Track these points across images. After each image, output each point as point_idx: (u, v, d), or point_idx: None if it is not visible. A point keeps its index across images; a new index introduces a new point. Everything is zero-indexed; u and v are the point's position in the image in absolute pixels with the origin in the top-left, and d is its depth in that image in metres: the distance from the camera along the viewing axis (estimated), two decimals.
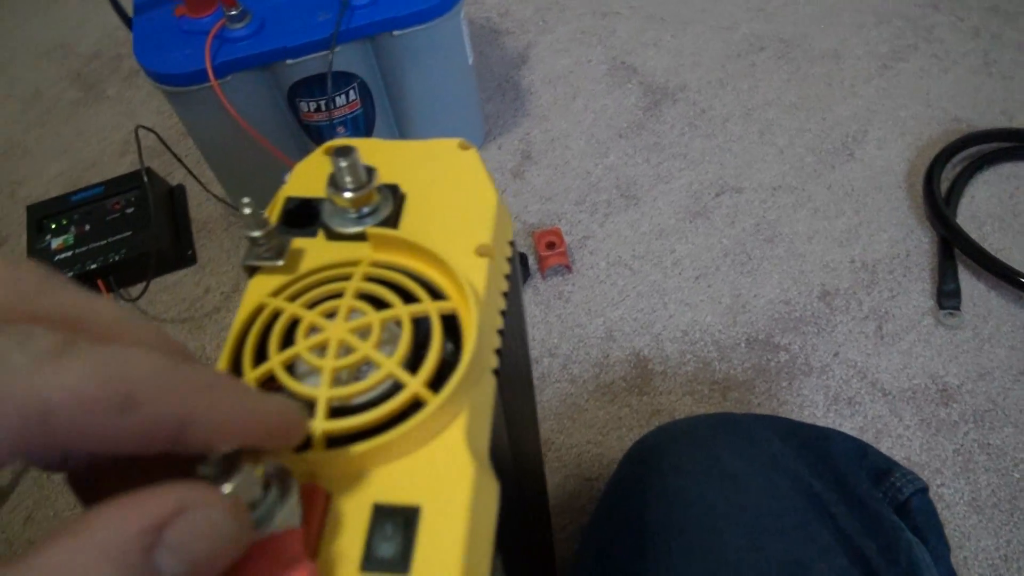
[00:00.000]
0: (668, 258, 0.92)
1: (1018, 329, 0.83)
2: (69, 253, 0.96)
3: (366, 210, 0.27)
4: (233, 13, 0.80)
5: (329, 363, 0.23)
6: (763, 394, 0.81)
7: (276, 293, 0.26)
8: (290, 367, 0.24)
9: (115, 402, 0.16)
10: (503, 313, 0.28)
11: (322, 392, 0.23)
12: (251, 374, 0.24)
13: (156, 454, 0.17)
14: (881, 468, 0.51)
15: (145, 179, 0.99)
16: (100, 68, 1.29)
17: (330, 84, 0.83)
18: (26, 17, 1.42)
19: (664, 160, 1.02)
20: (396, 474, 0.22)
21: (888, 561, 0.44)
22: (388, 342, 0.24)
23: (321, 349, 0.24)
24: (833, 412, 0.79)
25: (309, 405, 0.23)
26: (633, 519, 0.47)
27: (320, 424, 0.22)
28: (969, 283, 0.86)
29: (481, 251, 0.27)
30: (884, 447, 0.76)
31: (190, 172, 1.03)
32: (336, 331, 0.24)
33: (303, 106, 0.87)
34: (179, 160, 1.02)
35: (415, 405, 0.23)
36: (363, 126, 0.92)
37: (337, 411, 0.23)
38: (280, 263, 0.27)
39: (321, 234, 0.28)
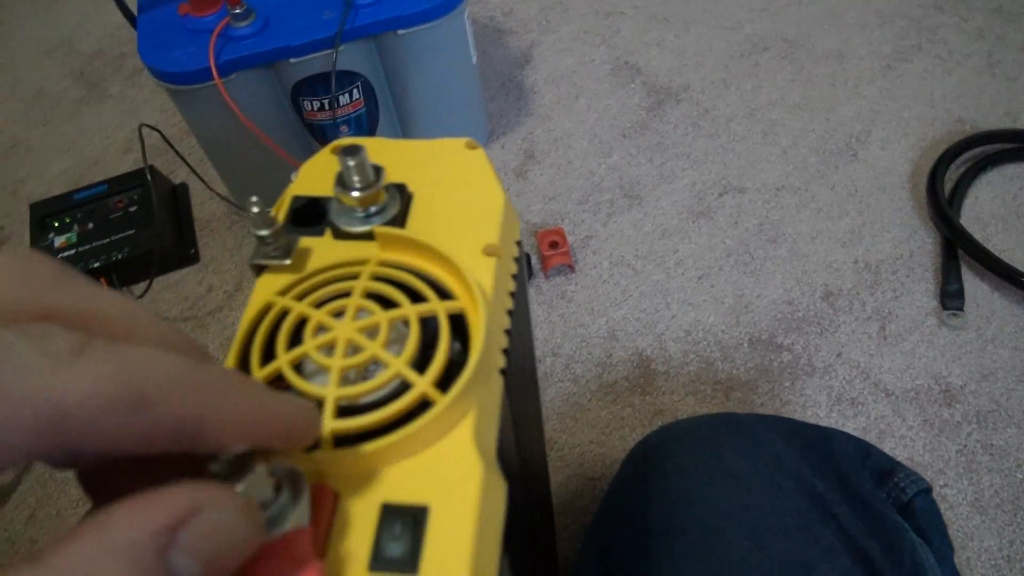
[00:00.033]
0: (671, 258, 0.92)
1: (1021, 330, 0.83)
2: (72, 251, 0.96)
3: (373, 209, 0.27)
4: (237, 11, 0.80)
5: (337, 362, 0.23)
6: (766, 394, 0.81)
7: (284, 292, 0.26)
8: (298, 366, 0.24)
9: (130, 403, 0.16)
10: (510, 313, 0.28)
11: (330, 391, 0.23)
12: (259, 373, 0.24)
13: (169, 453, 0.17)
14: (884, 468, 0.51)
15: (148, 177, 0.99)
16: (103, 66, 1.29)
17: (334, 83, 0.83)
18: (29, 15, 1.42)
19: (667, 160, 1.02)
20: (404, 474, 0.22)
21: (892, 562, 0.44)
22: (396, 341, 0.24)
23: (329, 348, 0.24)
24: (836, 412, 0.79)
25: (317, 404, 0.23)
26: (636, 519, 0.47)
27: (328, 423, 0.22)
28: (972, 284, 0.86)
29: (488, 251, 0.27)
30: (887, 447, 0.76)
31: (193, 171, 1.03)
32: (344, 330, 0.24)
33: (307, 105, 0.87)
34: (182, 158, 1.02)
35: (423, 405, 0.23)
36: (366, 125, 0.92)
37: (345, 410, 0.23)
38: (287, 262, 0.27)
39: (328, 233, 0.28)
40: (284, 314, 0.25)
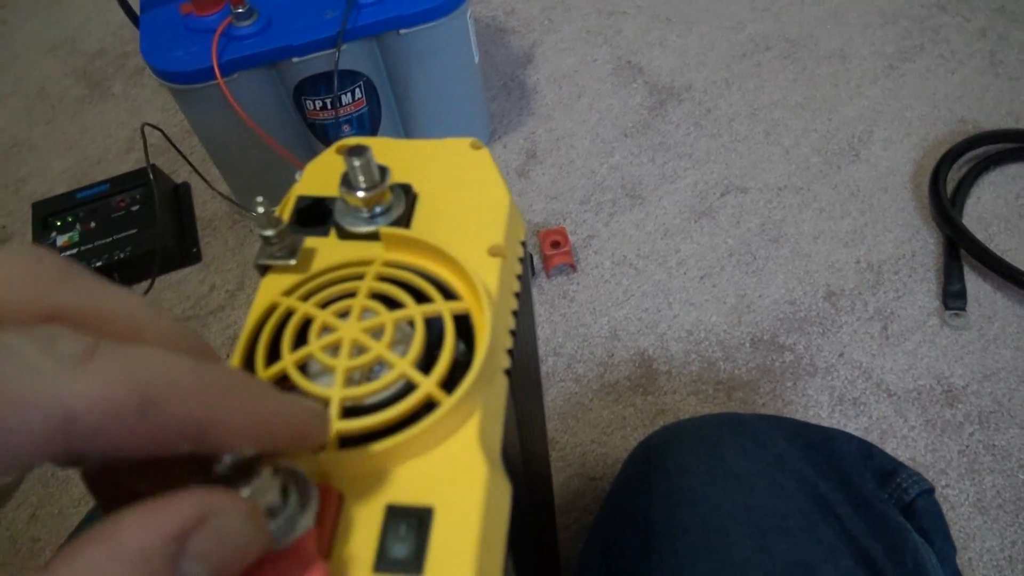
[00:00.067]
0: (673, 258, 0.92)
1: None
2: (74, 250, 0.97)
3: (379, 209, 0.27)
4: (240, 11, 0.80)
5: (342, 363, 0.23)
6: (768, 394, 0.81)
7: (288, 292, 0.26)
8: (303, 367, 0.24)
9: (138, 408, 0.16)
10: (515, 313, 0.28)
11: (335, 392, 0.23)
12: (264, 373, 0.24)
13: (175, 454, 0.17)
14: (887, 469, 0.51)
15: (150, 176, 0.99)
16: (105, 66, 1.29)
17: (336, 82, 0.83)
18: (32, 14, 1.43)
19: (669, 160, 1.02)
20: (409, 474, 0.22)
21: (894, 562, 0.44)
22: (401, 342, 0.24)
23: (334, 349, 0.24)
24: (838, 412, 0.79)
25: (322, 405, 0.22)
26: (638, 519, 0.47)
27: (333, 424, 0.22)
28: (975, 284, 0.86)
29: (493, 251, 0.27)
30: (889, 448, 0.76)
31: (195, 170, 1.03)
32: (349, 331, 0.24)
33: (309, 104, 0.87)
34: (184, 158, 1.02)
35: (428, 406, 0.23)
36: (369, 124, 0.92)
37: (349, 411, 0.23)
38: (292, 262, 0.27)
39: (333, 233, 0.28)
40: (289, 314, 0.25)
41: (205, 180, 1.03)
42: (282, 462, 0.20)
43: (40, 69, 1.31)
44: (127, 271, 0.96)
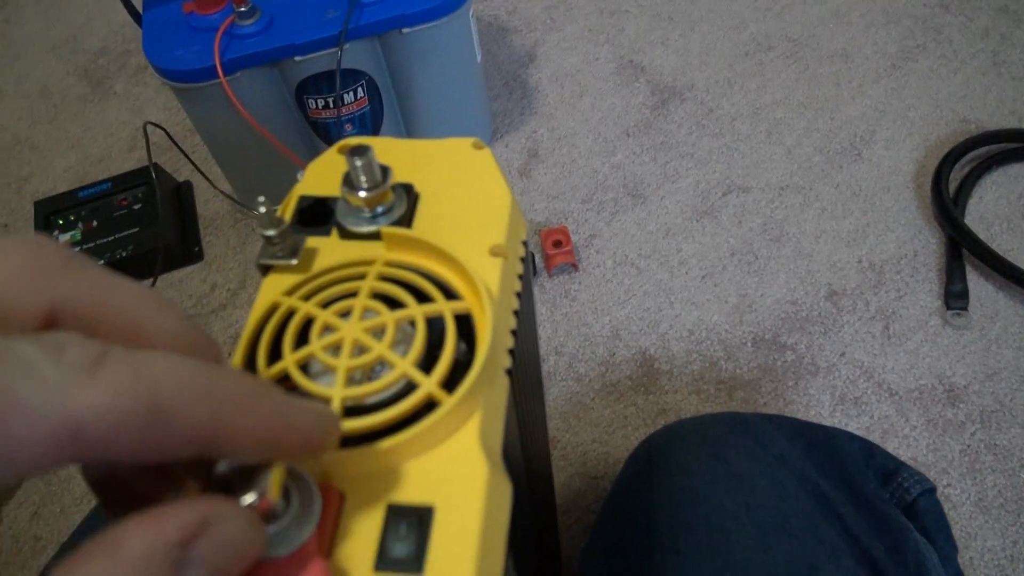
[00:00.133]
0: (675, 257, 0.92)
1: None
2: (76, 249, 0.97)
3: (380, 209, 0.27)
4: (242, 10, 0.80)
5: (343, 362, 0.23)
6: (769, 394, 0.81)
7: (290, 292, 0.26)
8: (304, 366, 0.24)
9: (147, 417, 0.16)
10: (516, 313, 0.28)
11: (336, 391, 0.23)
12: (265, 373, 0.24)
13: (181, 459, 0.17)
14: (888, 468, 0.51)
15: (152, 175, 0.99)
16: (108, 64, 1.30)
17: (338, 81, 0.83)
18: (34, 13, 1.43)
19: (671, 159, 1.02)
20: (410, 474, 0.22)
21: (896, 562, 0.44)
22: (402, 342, 0.24)
23: (335, 348, 0.24)
24: (839, 412, 0.79)
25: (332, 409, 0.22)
26: (640, 518, 0.47)
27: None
28: (977, 284, 0.86)
29: (495, 251, 0.27)
30: (891, 447, 0.76)
31: (197, 168, 1.03)
32: (350, 330, 0.24)
33: (311, 103, 0.87)
34: (186, 156, 1.02)
35: (429, 405, 0.23)
36: (370, 123, 0.92)
37: (351, 410, 0.23)
38: (294, 262, 0.27)
39: (335, 233, 0.28)
40: (291, 314, 0.25)
41: (207, 179, 1.03)
42: (285, 465, 0.20)
43: (42, 68, 1.31)
44: (129, 270, 0.96)
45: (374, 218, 0.28)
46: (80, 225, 0.99)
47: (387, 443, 0.22)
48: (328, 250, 0.27)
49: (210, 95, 0.82)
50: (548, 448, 0.53)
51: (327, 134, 0.91)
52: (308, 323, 0.25)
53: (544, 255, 0.92)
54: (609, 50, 1.16)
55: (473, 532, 0.21)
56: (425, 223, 0.28)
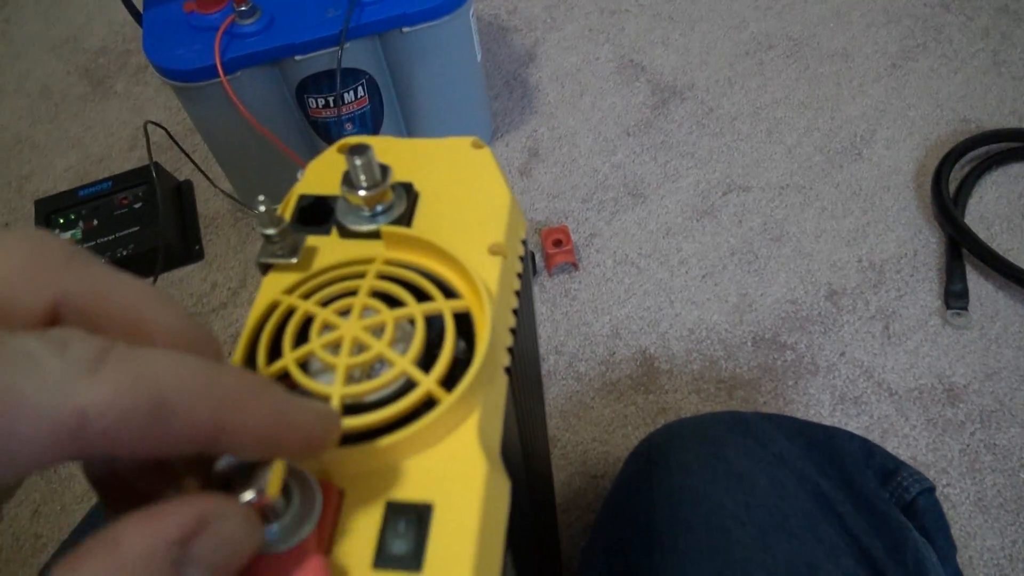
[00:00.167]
0: (675, 256, 0.92)
1: None
2: None
3: (380, 208, 0.28)
4: (243, 9, 0.80)
5: (343, 360, 0.23)
6: (769, 393, 0.81)
7: (290, 290, 0.26)
8: (304, 364, 0.24)
9: (150, 413, 0.16)
10: (515, 312, 0.28)
11: (336, 389, 0.23)
12: (265, 371, 0.24)
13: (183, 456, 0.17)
14: (888, 468, 0.51)
15: (153, 174, 0.99)
16: (108, 63, 1.30)
17: (339, 80, 0.83)
18: (35, 12, 1.43)
19: (672, 159, 1.02)
20: (409, 472, 0.22)
21: (895, 561, 0.44)
22: (401, 340, 0.24)
23: (335, 347, 0.24)
24: (839, 411, 0.79)
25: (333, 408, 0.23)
26: (640, 517, 0.48)
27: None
28: (977, 283, 0.86)
29: (494, 250, 0.27)
30: (890, 447, 0.76)
31: (198, 168, 1.03)
32: (350, 329, 0.24)
33: (311, 102, 0.87)
34: (187, 156, 1.03)
35: (428, 403, 0.23)
36: (371, 122, 0.92)
37: (350, 408, 0.23)
38: (294, 260, 0.27)
39: (334, 232, 0.28)
40: (290, 312, 0.25)
41: (208, 178, 1.03)
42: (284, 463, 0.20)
43: (43, 67, 1.31)
44: (129, 269, 0.96)
45: (374, 217, 0.28)
46: (81, 224, 0.99)
47: (386, 441, 0.22)
48: (328, 249, 0.28)
49: (210, 94, 0.82)
50: (548, 447, 0.53)
51: (327, 133, 0.91)
52: (308, 321, 0.25)
53: (544, 254, 0.92)
54: (609, 49, 1.16)
55: (471, 529, 0.21)
56: (424, 222, 0.28)
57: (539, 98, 1.11)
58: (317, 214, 0.29)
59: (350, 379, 0.23)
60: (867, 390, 0.80)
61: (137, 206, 1.00)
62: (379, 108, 0.92)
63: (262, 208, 0.26)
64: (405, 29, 0.84)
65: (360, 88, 0.87)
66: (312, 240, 0.28)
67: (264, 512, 0.19)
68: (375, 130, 0.94)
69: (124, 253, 0.96)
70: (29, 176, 1.15)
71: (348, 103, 0.88)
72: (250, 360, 0.24)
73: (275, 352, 0.24)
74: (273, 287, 0.26)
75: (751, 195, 0.97)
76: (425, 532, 0.21)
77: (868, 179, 0.97)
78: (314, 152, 0.92)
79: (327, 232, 0.28)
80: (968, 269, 0.87)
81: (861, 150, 1.00)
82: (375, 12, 0.82)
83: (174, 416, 0.16)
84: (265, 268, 0.27)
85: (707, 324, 0.87)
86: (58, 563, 0.15)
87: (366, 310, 0.24)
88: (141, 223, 0.98)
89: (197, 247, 1.02)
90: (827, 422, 0.77)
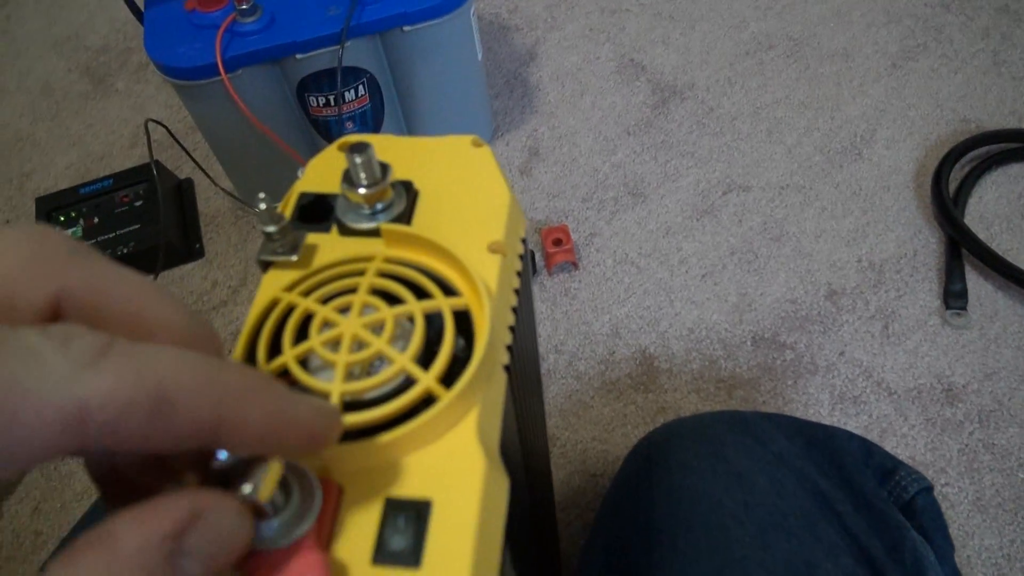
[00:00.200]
0: (675, 256, 0.92)
1: None
2: None
3: (380, 206, 0.28)
4: (244, 7, 0.80)
5: (342, 358, 0.23)
6: (769, 392, 0.81)
7: (290, 288, 0.26)
8: (304, 361, 0.24)
9: (151, 407, 0.16)
10: (514, 310, 0.28)
11: (335, 386, 0.23)
12: (265, 368, 0.24)
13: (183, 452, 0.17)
14: (886, 467, 0.51)
15: (154, 172, 0.99)
16: (109, 61, 1.30)
17: (340, 79, 0.84)
18: (36, 10, 1.43)
19: (672, 158, 1.02)
20: (408, 468, 0.22)
21: (893, 560, 0.44)
22: (401, 337, 0.24)
23: (335, 344, 0.24)
24: (838, 411, 0.79)
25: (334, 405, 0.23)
26: (640, 516, 0.48)
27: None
28: (976, 283, 0.86)
29: (493, 248, 0.27)
30: (889, 446, 0.76)
31: (199, 166, 1.03)
32: (350, 326, 0.24)
33: (312, 101, 0.87)
34: (188, 154, 1.03)
35: (427, 400, 0.23)
36: (371, 121, 0.92)
37: (349, 405, 0.23)
38: (294, 258, 0.27)
39: (335, 229, 0.28)
40: (290, 310, 0.25)
41: (208, 176, 1.04)
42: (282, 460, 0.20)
43: (44, 65, 1.31)
44: (130, 266, 0.96)
45: (373, 215, 0.28)
46: (81, 222, 0.99)
47: (385, 438, 0.22)
48: (328, 246, 0.28)
49: (211, 92, 0.82)
50: (547, 445, 0.53)
51: (328, 132, 0.91)
52: (308, 319, 0.25)
53: (544, 253, 0.92)
54: (610, 49, 1.16)
55: (470, 526, 0.21)
56: (424, 220, 0.28)
57: (539, 97, 1.11)
58: (317, 212, 0.29)
59: (350, 376, 0.23)
60: (866, 390, 0.80)
61: (138, 204, 1.00)
62: (380, 107, 0.92)
63: (262, 206, 0.26)
64: (406, 28, 0.84)
65: (361, 87, 0.87)
66: (312, 238, 0.28)
67: (261, 509, 0.19)
68: (376, 129, 0.94)
69: (125, 251, 0.96)
70: (30, 174, 1.15)
71: (349, 102, 0.88)
72: (250, 357, 0.24)
73: (275, 349, 0.24)
74: (273, 284, 0.26)
75: (751, 195, 0.97)
76: (424, 528, 0.21)
77: (868, 179, 0.97)
78: (314, 150, 0.92)
79: (327, 230, 0.28)
80: (967, 269, 0.87)
81: (861, 150, 1.00)
82: (376, 11, 0.82)
83: (175, 411, 0.16)
84: (265, 265, 0.27)
85: (707, 323, 0.87)
86: (55, 558, 0.15)
87: (366, 307, 0.25)
88: (142, 221, 0.98)
89: (197, 245, 1.02)
90: (826, 421, 0.77)
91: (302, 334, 0.24)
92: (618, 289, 0.90)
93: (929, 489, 0.50)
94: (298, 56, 0.82)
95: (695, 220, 0.95)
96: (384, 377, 0.23)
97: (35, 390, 0.15)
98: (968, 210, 0.92)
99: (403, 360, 0.23)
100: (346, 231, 0.28)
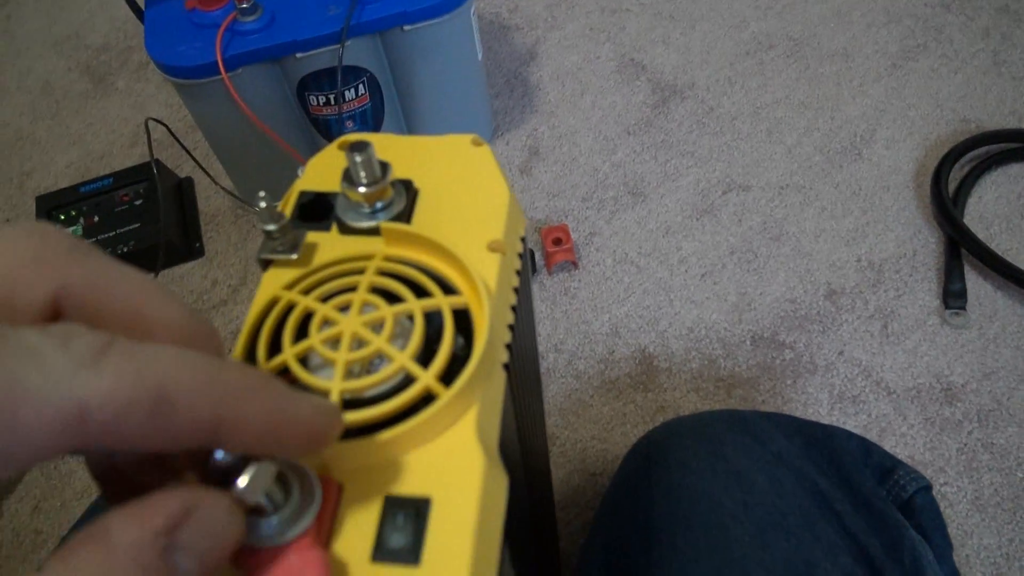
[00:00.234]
0: (674, 255, 0.93)
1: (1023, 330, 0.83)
2: None
3: (380, 205, 0.28)
4: (244, 6, 0.80)
5: (342, 356, 0.23)
6: (768, 392, 0.81)
7: (290, 286, 0.26)
8: (303, 359, 0.24)
9: (151, 405, 0.16)
10: (514, 308, 0.28)
11: (335, 385, 0.23)
12: (265, 366, 0.24)
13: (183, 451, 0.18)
14: (885, 466, 0.51)
15: (154, 171, 1.00)
16: (110, 60, 1.30)
17: (340, 78, 0.84)
18: (36, 9, 1.43)
19: (672, 158, 1.02)
20: (407, 466, 0.22)
21: (892, 559, 0.44)
22: (400, 336, 0.24)
23: (334, 342, 0.24)
24: (837, 410, 0.79)
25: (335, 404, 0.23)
26: (639, 515, 0.48)
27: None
28: (975, 283, 0.86)
29: (493, 246, 0.28)
30: (888, 445, 0.77)
31: (199, 165, 1.03)
32: (349, 324, 0.24)
33: (312, 100, 0.87)
34: (188, 153, 1.03)
35: (427, 399, 0.23)
36: (372, 120, 0.92)
37: (349, 403, 0.23)
38: (294, 256, 0.27)
39: (335, 228, 0.28)
40: (290, 308, 0.25)
41: (208, 175, 1.04)
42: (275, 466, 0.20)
43: (44, 63, 1.31)
44: (130, 265, 0.97)
45: (373, 213, 0.28)
46: (81, 220, 1.00)
47: (385, 435, 0.22)
48: (328, 245, 0.28)
49: (212, 91, 0.82)
50: (546, 443, 0.53)
51: (328, 131, 0.91)
52: (307, 317, 0.25)
53: (544, 253, 0.92)
54: (610, 48, 1.16)
55: (469, 523, 0.21)
56: (424, 219, 0.29)
57: (540, 97, 1.11)
58: (317, 210, 0.29)
59: (349, 374, 0.23)
60: (865, 389, 0.80)
61: (138, 203, 1.00)
62: (380, 106, 0.92)
63: (263, 204, 0.26)
64: (406, 27, 0.84)
65: (361, 86, 0.88)
66: (312, 236, 0.28)
67: (261, 507, 0.19)
68: (376, 128, 0.94)
69: (125, 250, 0.96)
70: (30, 172, 1.15)
71: (349, 101, 0.88)
72: (250, 355, 0.24)
73: (275, 347, 0.24)
74: (273, 283, 0.27)
75: (751, 194, 0.97)
76: (423, 526, 0.21)
77: (868, 179, 0.97)
78: (314, 149, 0.92)
79: (327, 228, 0.28)
80: (967, 269, 0.87)
81: (861, 150, 1.00)
82: (376, 10, 0.82)
83: (174, 410, 0.16)
84: (265, 264, 0.27)
85: (706, 323, 0.87)
86: (51, 554, 0.15)
87: (366, 306, 0.25)
88: (142, 220, 0.99)
89: (198, 244, 1.02)
90: (825, 421, 0.78)
91: (302, 332, 0.24)
92: (618, 288, 0.90)
93: (928, 488, 0.50)
94: (298, 55, 0.82)
95: (695, 220, 0.96)
96: (384, 375, 0.23)
97: (35, 389, 0.15)
98: (967, 210, 0.92)
99: (403, 358, 0.23)
100: (346, 230, 0.28)
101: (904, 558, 0.44)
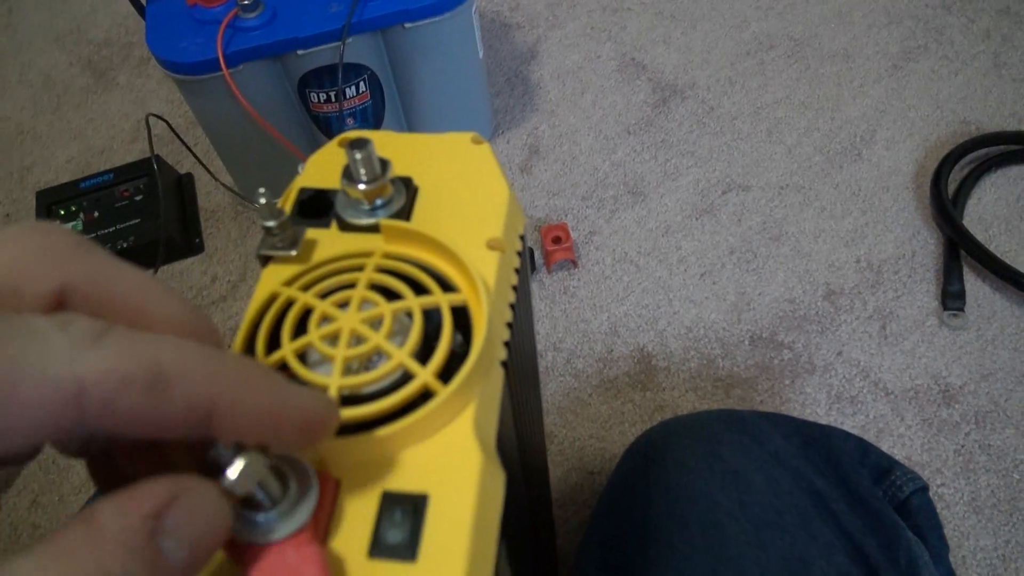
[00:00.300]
0: (674, 255, 0.93)
1: (1022, 331, 0.83)
2: None
3: (379, 202, 0.28)
4: (246, 3, 0.80)
5: (341, 352, 0.23)
6: (766, 392, 0.81)
7: (289, 283, 0.26)
8: (302, 356, 0.24)
9: (147, 382, 0.16)
10: (512, 306, 0.28)
11: (333, 381, 0.23)
12: (264, 361, 0.24)
13: (179, 439, 0.18)
14: (882, 467, 0.52)
15: (154, 167, 1.00)
16: (111, 55, 1.30)
17: (341, 75, 0.84)
18: (38, 4, 1.43)
19: (672, 157, 1.02)
20: (405, 462, 0.22)
21: (888, 559, 0.44)
22: (399, 333, 0.24)
23: (333, 338, 0.24)
24: (835, 411, 0.80)
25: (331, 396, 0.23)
26: (636, 513, 0.48)
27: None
28: (974, 285, 0.86)
29: (492, 244, 0.28)
30: (885, 446, 0.77)
31: (199, 161, 1.03)
32: (348, 321, 0.24)
33: (313, 97, 0.87)
34: (188, 148, 1.03)
35: (425, 395, 0.23)
36: (372, 118, 0.92)
37: (347, 399, 0.23)
38: (293, 253, 0.27)
39: (334, 225, 0.28)
40: (289, 304, 0.25)
41: (209, 171, 1.04)
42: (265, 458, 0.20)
43: (46, 58, 1.31)
44: (130, 261, 0.96)
45: (373, 211, 0.28)
46: (81, 216, 1.00)
47: (383, 432, 0.22)
48: (327, 242, 0.28)
49: (213, 88, 0.82)
50: (544, 441, 0.53)
51: (329, 128, 0.91)
52: (306, 313, 0.25)
53: (544, 251, 0.93)
54: (611, 48, 1.16)
55: (466, 520, 0.21)
56: (423, 216, 0.29)
57: (540, 95, 1.11)
58: (317, 207, 0.29)
59: (348, 371, 0.23)
60: (863, 390, 0.80)
61: (138, 198, 1.00)
62: (380, 103, 0.92)
63: (263, 201, 0.26)
64: (407, 25, 0.84)
65: (362, 83, 0.88)
66: (312, 233, 0.28)
67: (258, 502, 0.19)
68: (376, 125, 0.94)
69: (125, 245, 0.96)
70: (31, 167, 1.15)
71: (349, 98, 0.88)
72: (249, 351, 0.25)
73: (274, 343, 0.25)
74: (272, 279, 0.27)
75: (751, 194, 0.97)
76: (420, 522, 0.21)
77: (867, 180, 0.97)
78: (315, 146, 0.92)
79: (327, 225, 0.28)
80: (966, 270, 0.87)
81: (861, 151, 1.00)
82: (377, 8, 0.82)
83: (173, 389, 0.16)
84: (265, 260, 0.27)
85: (705, 322, 0.87)
86: (39, 541, 0.15)
87: (364, 303, 0.25)
88: (142, 215, 0.99)
89: (197, 240, 1.02)
90: (823, 421, 0.78)
91: (301, 329, 0.25)
92: (617, 287, 0.90)
93: (924, 489, 0.51)
94: (299, 52, 0.82)
95: (694, 219, 0.96)
96: (382, 372, 0.23)
97: (36, 365, 0.15)
98: (967, 211, 0.92)
99: (401, 355, 0.23)
100: (345, 227, 0.28)
101: (900, 558, 0.44)
